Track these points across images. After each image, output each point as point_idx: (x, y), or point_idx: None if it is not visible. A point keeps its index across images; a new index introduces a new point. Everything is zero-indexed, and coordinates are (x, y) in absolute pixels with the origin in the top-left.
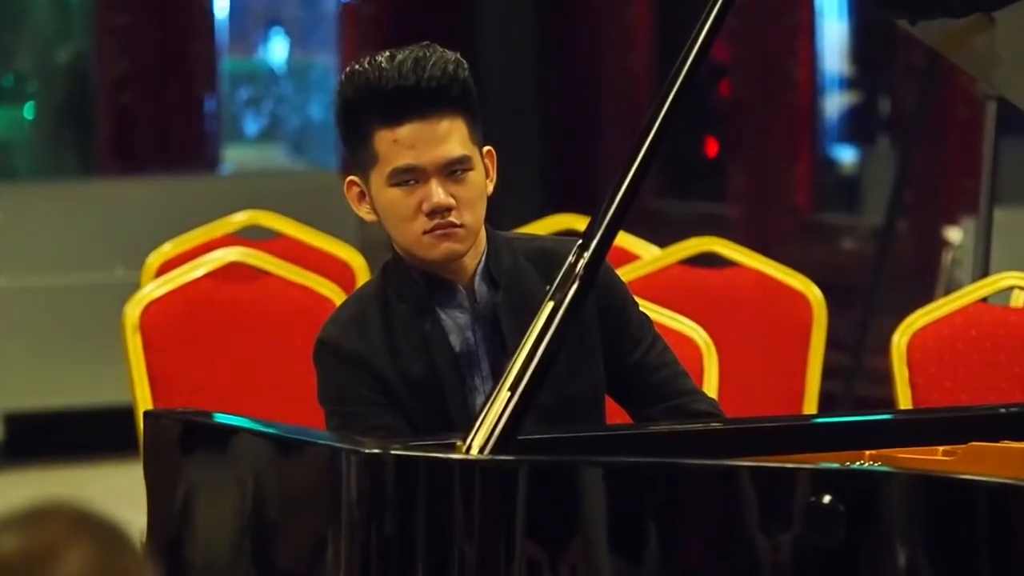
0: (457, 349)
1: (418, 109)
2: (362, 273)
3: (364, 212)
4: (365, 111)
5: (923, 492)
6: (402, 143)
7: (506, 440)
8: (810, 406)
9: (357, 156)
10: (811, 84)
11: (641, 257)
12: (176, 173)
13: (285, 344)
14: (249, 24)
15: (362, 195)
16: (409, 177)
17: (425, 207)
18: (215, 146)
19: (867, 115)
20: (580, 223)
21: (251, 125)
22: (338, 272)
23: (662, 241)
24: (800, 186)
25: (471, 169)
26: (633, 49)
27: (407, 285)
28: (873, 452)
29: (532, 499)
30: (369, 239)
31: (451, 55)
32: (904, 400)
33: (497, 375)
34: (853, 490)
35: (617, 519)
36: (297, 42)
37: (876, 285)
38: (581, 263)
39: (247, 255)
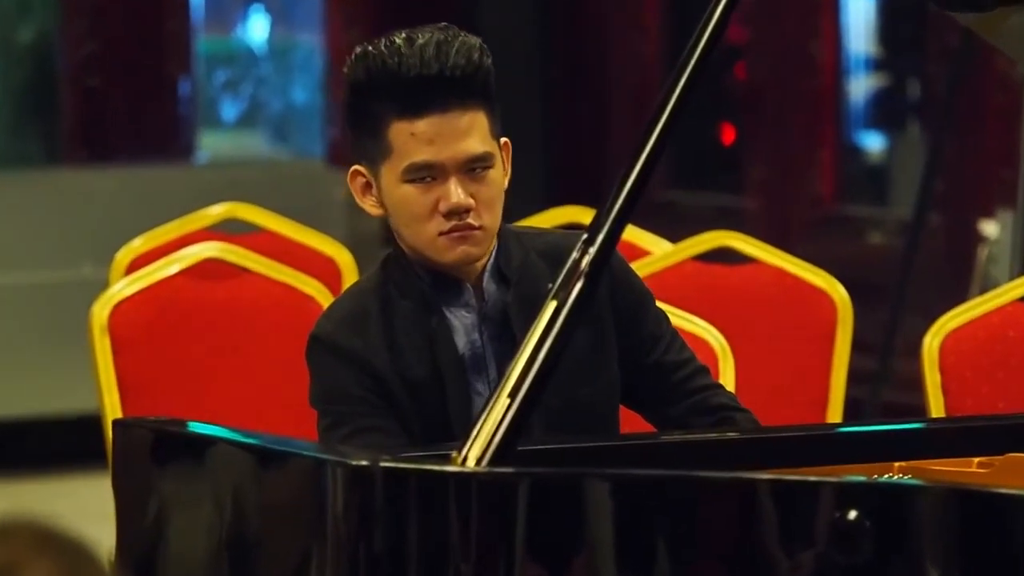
0: (461, 351)
1: (440, 101)
2: (349, 270)
3: (369, 205)
4: (379, 99)
5: (957, 507)
6: (420, 137)
7: (505, 451)
8: (834, 414)
9: (366, 145)
10: (835, 66)
11: (651, 253)
12: (148, 162)
13: (266, 347)
14: (227, 0)
15: (368, 187)
16: (426, 174)
17: (442, 207)
18: (190, 133)
19: (896, 99)
20: (585, 216)
21: (229, 110)
22: (324, 269)
23: (674, 236)
24: (823, 176)
25: (491, 167)
26: (642, 29)
27: (410, 281)
28: (902, 464)
29: (533, 515)
30: (357, 233)
31: (474, 40)
32: (936, 407)
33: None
34: (881, 505)
35: (625, 536)
36: (279, 19)
37: (905, 283)
38: (586, 259)
39: (225, 251)
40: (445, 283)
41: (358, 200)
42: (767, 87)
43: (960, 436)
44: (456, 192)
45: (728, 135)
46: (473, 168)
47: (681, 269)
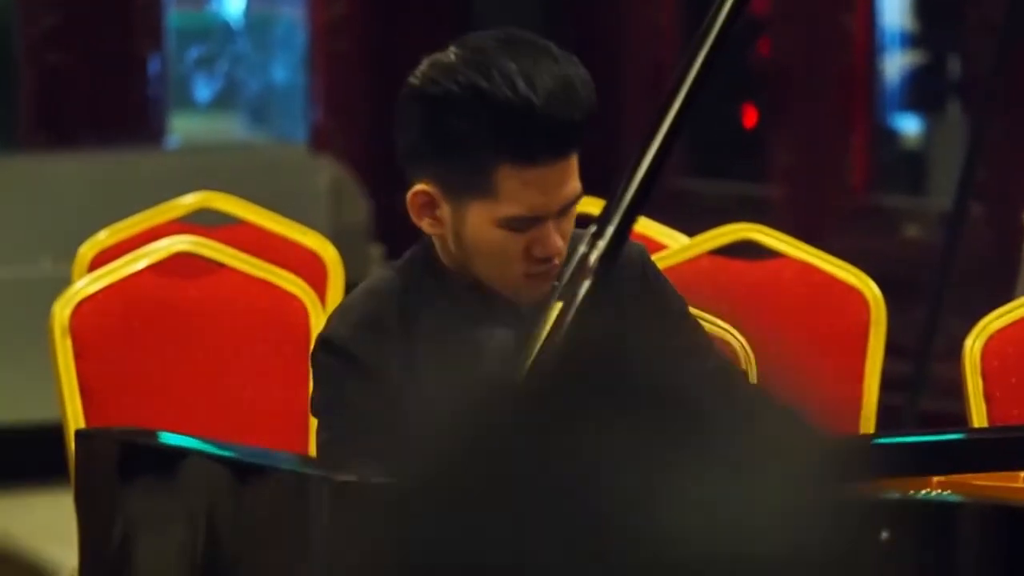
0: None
1: (560, 148)
2: (334, 266)
3: (427, 224)
4: (492, 140)
5: (1001, 526)
6: (531, 186)
7: None
8: (867, 423)
9: (449, 171)
10: (868, 41)
11: (666, 247)
12: (114, 147)
13: (244, 350)
14: None
15: (430, 206)
16: (528, 224)
17: (538, 252)
18: (160, 115)
19: (934, 78)
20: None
21: (203, 90)
22: (306, 265)
23: (690, 228)
24: (855, 163)
25: (577, 201)
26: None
27: (442, 290)
28: (941, 478)
29: None
30: (343, 225)
31: (584, 72)
32: (978, 416)
33: None
34: (918, 524)
35: None
36: None
37: (945, 280)
38: (595, 254)
39: (198, 244)
40: (483, 299)
41: (413, 216)
42: (793, 65)
43: (1004, 448)
44: (555, 239)
45: (750, 117)
46: (567, 207)
47: (698, 264)
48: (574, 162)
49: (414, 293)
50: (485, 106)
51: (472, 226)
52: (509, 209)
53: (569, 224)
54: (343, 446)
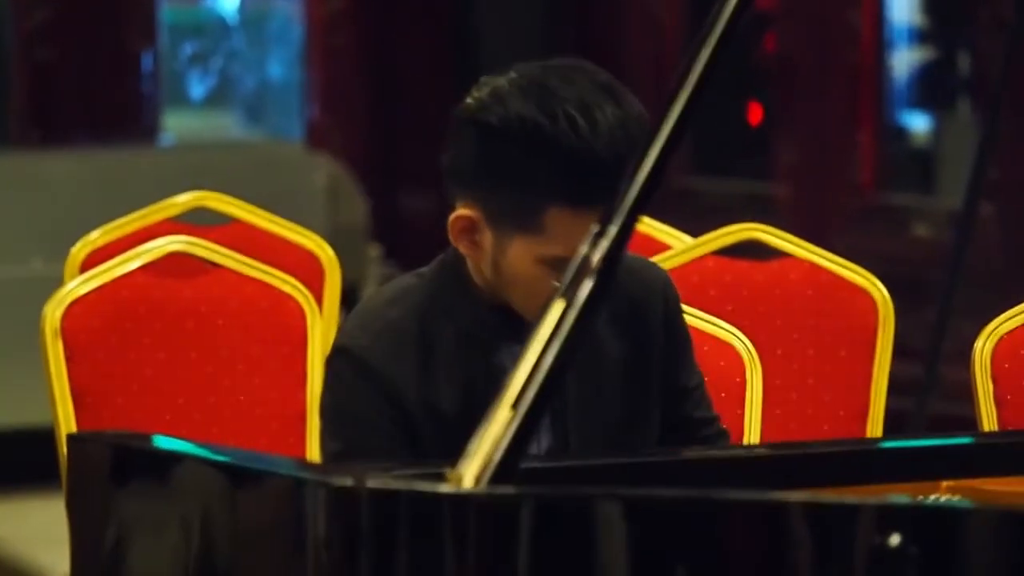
0: None
1: (612, 188)
2: (331, 266)
3: (464, 247)
4: (547, 179)
5: (1011, 532)
6: (580, 228)
7: (506, 469)
8: (875, 427)
9: (500, 203)
10: (876, 37)
11: (670, 247)
12: (106, 145)
13: (240, 353)
14: None
15: (471, 231)
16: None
17: None
18: (153, 112)
19: (943, 75)
20: None
21: (197, 87)
22: (303, 265)
23: (695, 228)
24: (862, 161)
25: None
26: None
27: (467, 306)
28: (951, 483)
29: (538, 541)
30: (339, 225)
31: (640, 108)
32: (988, 420)
33: (555, 425)
34: (927, 529)
35: (640, 564)
36: None
37: (954, 281)
38: (597, 254)
39: (192, 245)
40: (509, 320)
41: (451, 238)
42: (800, 61)
43: (1015, 452)
44: None
45: (756, 114)
46: None
47: (703, 265)
48: None
49: (438, 305)
50: (544, 144)
51: (513, 258)
52: (555, 249)
53: None
54: (347, 462)
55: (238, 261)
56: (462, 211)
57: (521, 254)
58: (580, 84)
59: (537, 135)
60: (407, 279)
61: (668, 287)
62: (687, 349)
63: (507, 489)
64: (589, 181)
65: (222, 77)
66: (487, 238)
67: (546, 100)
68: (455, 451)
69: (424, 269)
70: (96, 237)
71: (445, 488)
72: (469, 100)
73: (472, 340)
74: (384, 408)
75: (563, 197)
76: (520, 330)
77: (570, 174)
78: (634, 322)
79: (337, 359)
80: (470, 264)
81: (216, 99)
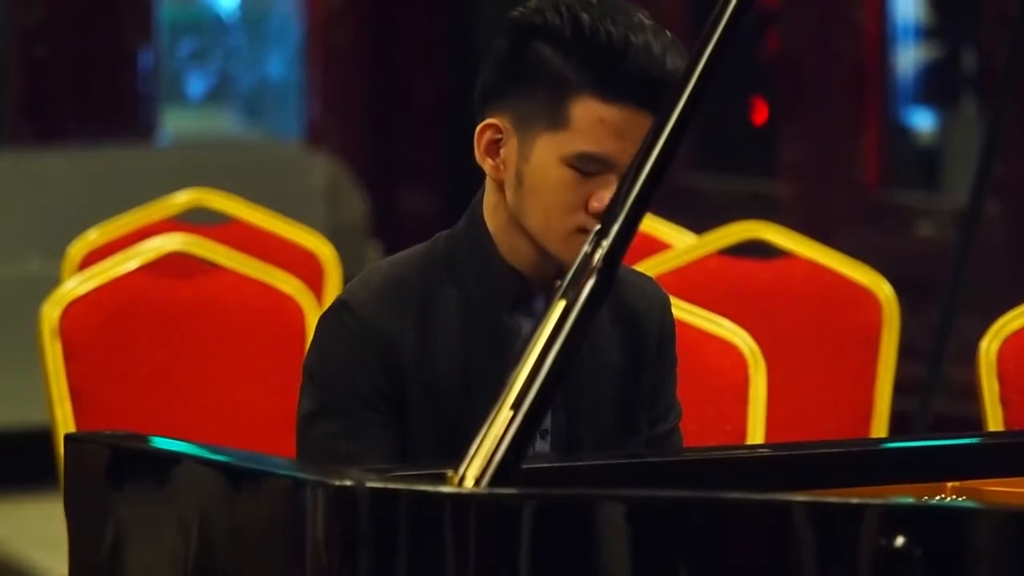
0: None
1: (644, 99)
2: (331, 265)
3: (489, 165)
4: (580, 66)
5: (1017, 532)
6: (608, 126)
7: (507, 469)
8: (879, 428)
9: (529, 99)
10: (880, 34)
11: (672, 246)
12: (104, 143)
13: (238, 352)
14: None
15: (496, 144)
16: (595, 168)
17: (595, 205)
18: (151, 110)
19: (949, 72)
20: None
21: (195, 85)
22: (302, 264)
23: (698, 226)
24: (867, 159)
25: None
26: None
27: (479, 268)
28: (956, 484)
29: (539, 542)
30: (339, 224)
31: (683, 49)
32: (994, 420)
33: (554, 426)
34: (932, 530)
35: (642, 566)
36: None
37: (960, 280)
38: (599, 253)
39: (191, 244)
40: (520, 284)
41: (477, 155)
42: (804, 58)
43: (1021, 452)
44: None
45: (760, 112)
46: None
47: (706, 264)
48: (646, 128)
49: (446, 268)
50: (582, 35)
51: (536, 161)
52: (580, 144)
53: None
54: (323, 425)
55: (237, 260)
56: (488, 120)
57: (546, 156)
58: (629, 8)
59: (578, 28)
60: (420, 245)
61: (667, 311)
62: (673, 378)
63: (508, 490)
64: (623, 74)
65: (221, 75)
66: (512, 149)
67: (593, 5)
68: (442, 417)
69: (442, 233)
70: (94, 236)
71: (446, 489)
72: (514, 12)
73: (477, 306)
74: (371, 371)
75: (594, 86)
76: (529, 299)
77: (604, 63)
78: (633, 331)
79: (332, 312)
80: (488, 207)
81: (215, 97)
